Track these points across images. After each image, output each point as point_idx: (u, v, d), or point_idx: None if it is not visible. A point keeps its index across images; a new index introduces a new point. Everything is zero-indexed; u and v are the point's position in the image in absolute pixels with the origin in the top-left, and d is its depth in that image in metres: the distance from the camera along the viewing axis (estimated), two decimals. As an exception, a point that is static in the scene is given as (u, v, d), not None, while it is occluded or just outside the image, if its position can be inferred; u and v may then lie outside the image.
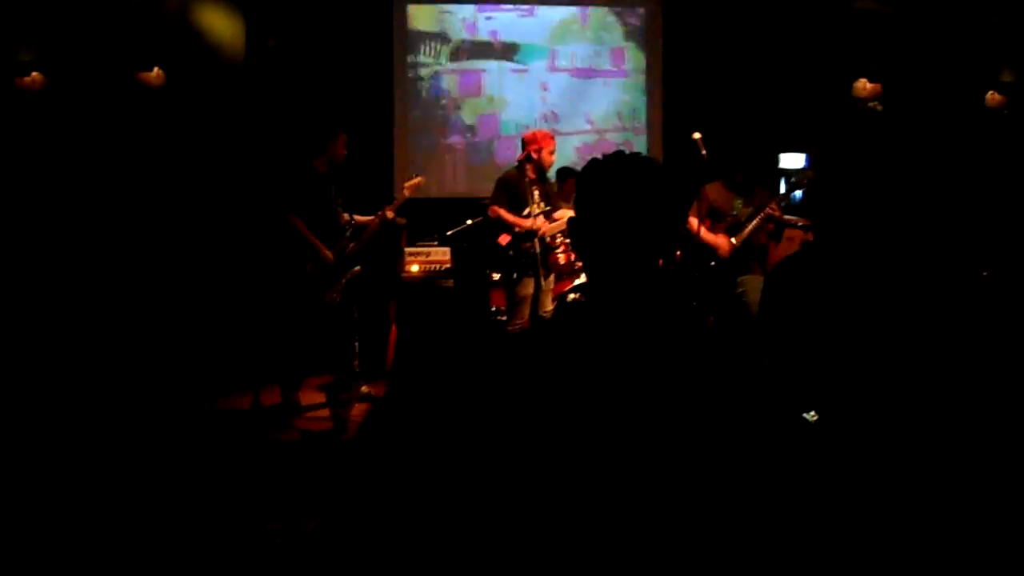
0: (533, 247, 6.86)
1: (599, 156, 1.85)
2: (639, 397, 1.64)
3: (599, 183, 1.79)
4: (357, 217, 7.15)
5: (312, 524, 4.58)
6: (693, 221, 6.81)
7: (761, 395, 1.71)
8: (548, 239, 7.08)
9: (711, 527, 1.61)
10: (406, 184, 7.30)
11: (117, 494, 4.97)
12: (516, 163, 7.18)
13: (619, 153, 1.83)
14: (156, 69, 8.59)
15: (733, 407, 1.67)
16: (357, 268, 7.07)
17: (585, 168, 1.86)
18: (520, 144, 7.21)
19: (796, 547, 1.66)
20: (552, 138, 7.17)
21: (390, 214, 7.18)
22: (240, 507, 4.85)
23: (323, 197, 6.95)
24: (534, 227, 6.89)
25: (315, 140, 7.05)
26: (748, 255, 6.87)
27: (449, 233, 8.15)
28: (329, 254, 6.90)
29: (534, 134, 7.17)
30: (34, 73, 8.29)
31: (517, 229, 7.01)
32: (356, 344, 7.11)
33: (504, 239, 7.10)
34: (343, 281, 6.98)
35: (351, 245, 7.04)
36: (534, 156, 7.00)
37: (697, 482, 1.61)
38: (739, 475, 1.63)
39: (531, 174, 7.04)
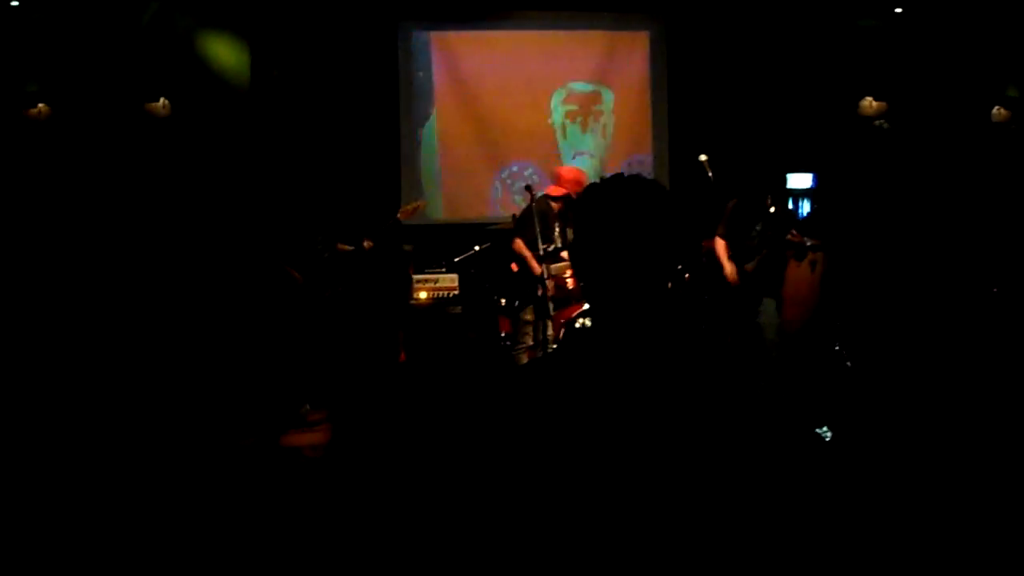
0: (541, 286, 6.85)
1: (598, 180, 1.81)
2: (649, 422, 1.62)
3: (599, 207, 1.75)
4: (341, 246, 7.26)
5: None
6: (718, 239, 6.80)
7: (775, 414, 1.68)
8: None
9: (730, 549, 1.58)
10: (404, 208, 7.35)
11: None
12: (547, 195, 7.12)
13: (618, 176, 1.79)
14: (162, 100, 8.63)
15: (748, 428, 1.64)
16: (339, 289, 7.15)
17: (584, 192, 1.81)
18: (557, 176, 7.16)
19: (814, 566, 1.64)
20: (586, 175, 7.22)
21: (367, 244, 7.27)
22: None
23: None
24: (545, 275, 6.86)
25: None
26: (763, 279, 6.83)
27: (457, 260, 8.13)
28: (298, 275, 6.98)
29: (574, 172, 7.16)
30: (40, 105, 8.33)
31: (533, 270, 6.95)
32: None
33: (515, 267, 7.08)
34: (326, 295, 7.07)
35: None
36: (574, 196, 6.96)
37: (716, 503, 1.59)
38: (757, 495, 1.61)
39: (558, 207, 7.02)
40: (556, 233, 7.02)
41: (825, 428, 6.32)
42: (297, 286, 6.96)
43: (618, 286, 1.70)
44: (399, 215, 7.33)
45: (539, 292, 6.81)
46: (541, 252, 6.82)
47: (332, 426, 6.84)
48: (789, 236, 6.70)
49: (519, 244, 6.95)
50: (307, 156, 8.70)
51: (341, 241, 7.27)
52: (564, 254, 7.08)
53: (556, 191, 7.06)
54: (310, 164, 8.44)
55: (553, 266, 6.98)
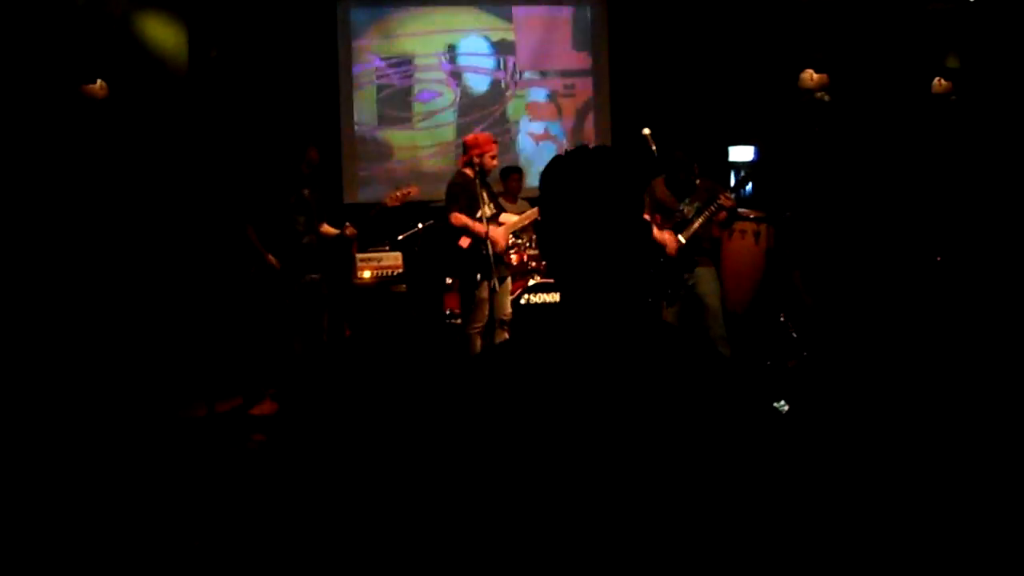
0: (486, 249, 6.81)
1: (561, 153, 1.76)
2: (628, 400, 1.57)
3: (565, 180, 1.70)
4: (327, 227, 7.16)
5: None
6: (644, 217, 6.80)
7: (738, 389, 1.65)
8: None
9: (708, 525, 1.55)
10: (392, 193, 7.26)
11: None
12: (459, 168, 7.13)
13: (583, 147, 1.75)
14: (99, 81, 8.49)
15: (719, 403, 1.61)
16: (316, 275, 7.06)
17: (549, 166, 1.76)
18: (462, 148, 7.16)
19: (788, 537, 1.62)
20: (494, 142, 7.09)
21: (350, 231, 7.18)
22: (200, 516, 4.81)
23: (280, 204, 6.95)
24: (492, 235, 6.84)
25: (288, 152, 7.04)
26: (698, 249, 6.88)
27: (400, 237, 8.09)
28: (275, 261, 6.87)
29: (475, 138, 7.09)
30: (-25, 88, 8.17)
31: (479, 233, 6.91)
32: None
33: (465, 242, 7.03)
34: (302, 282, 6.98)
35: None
36: (475, 161, 6.91)
37: (694, 479, 1.55)
38: (734, 471, 1.57)
39: (472, 176, 6.99)
40: (486, 197, 7.00)
41: (782, 401, 6.38)
42: (274, 271, 6.91)
43: (592, 262, 1.65)
44: (386, 201, 7.23)
45: (485, 250, 6.80)
46: (479, 218, 6.85)
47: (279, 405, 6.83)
48: (721, 199, 6.72)
49: (457, 216, 6.93)
50: (248, 136, 8.62)
51: (324, 223, 7.21)
52: (503, 217, 7.09)
53: (465, 159, 7.07)
54: (251, 145, 8.35)
55: (506, 226, 7.01)
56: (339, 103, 9.59)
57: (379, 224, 7.92)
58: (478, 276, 6.93)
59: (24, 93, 8.30)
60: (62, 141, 8.39)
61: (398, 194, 7.17)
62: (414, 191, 7.29)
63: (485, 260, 6.80)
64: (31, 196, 8.13)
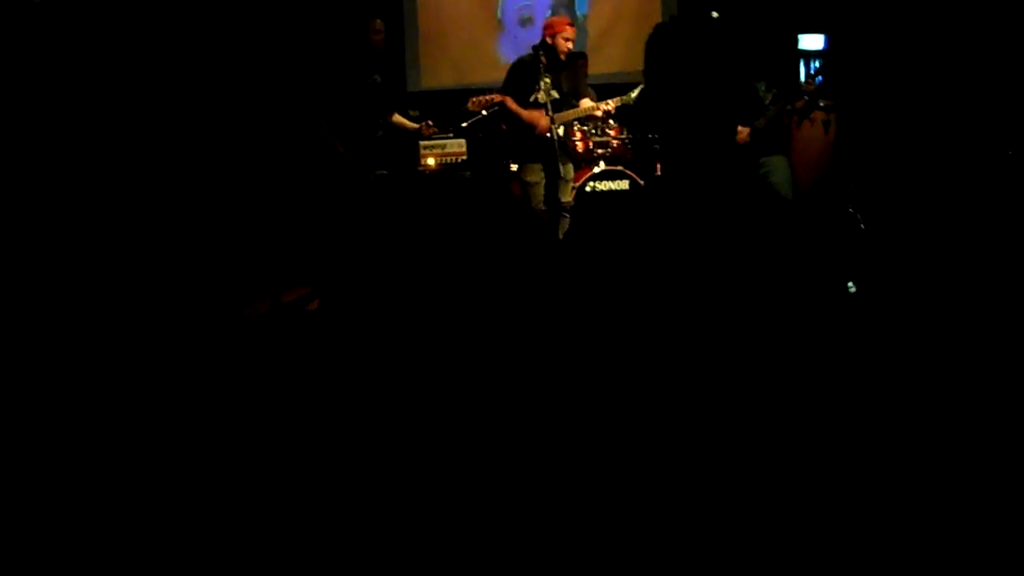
0: (552, 134, 6.76)
1: (665, 21, 1.72)
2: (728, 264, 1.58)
3: (673, 46, 1.67)
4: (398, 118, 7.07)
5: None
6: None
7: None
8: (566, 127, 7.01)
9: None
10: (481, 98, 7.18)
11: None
12: (531, 49, 7.08)
13: (685, 15, 1.71)
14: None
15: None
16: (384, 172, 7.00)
17: (654, 33, 1.74)
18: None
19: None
20: (569, 24, 7.02)
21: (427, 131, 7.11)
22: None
23: (348, 87, 6.86)
24: (537, 121, 6.78)
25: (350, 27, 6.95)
26: (772, 136, 6.79)
27: (464, 124, 8.03)
28: (342, 148, 6.80)
29: (551, 20, 7.08)
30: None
31: (526, 119, 6.87)
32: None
33: (505, 125, 7.05)
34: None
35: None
36: (548, 42, 6.90)
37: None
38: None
39: (544, 60, 6.93)
40: (548, 83, 6.92)
41: (851, 283, 6.34)
42: (341, 158, 6.81)
43: (701, 123, 1.64)
44: (469, 105, 7.18)
45: (551, 136, 6.75)
46: (533, 101, 6.88)
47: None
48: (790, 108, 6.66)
49: (507, 101, 6.91)
50: (309, 24, 8.50)
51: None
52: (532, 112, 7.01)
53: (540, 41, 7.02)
54: (313, 32, 8.22)
55: (559, 116, 6.93)
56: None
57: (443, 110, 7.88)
58: (515, 161, 6.97)
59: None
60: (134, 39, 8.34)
61: (484, 99, 7.10)
62: (499, 98, 7.20)
63: (545, 144, 6.77)
64: (106, 92, 8.11)
